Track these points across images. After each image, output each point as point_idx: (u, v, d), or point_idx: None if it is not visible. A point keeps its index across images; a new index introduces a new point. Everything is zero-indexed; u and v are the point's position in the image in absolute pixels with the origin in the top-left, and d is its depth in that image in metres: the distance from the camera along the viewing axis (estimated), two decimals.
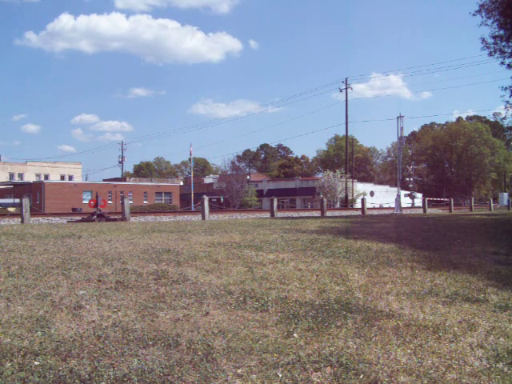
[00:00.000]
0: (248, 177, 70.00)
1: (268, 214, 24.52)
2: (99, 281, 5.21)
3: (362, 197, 35.14)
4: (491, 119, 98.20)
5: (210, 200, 22.59)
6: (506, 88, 20.82)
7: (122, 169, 74.55)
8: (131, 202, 47.55)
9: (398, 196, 34.08)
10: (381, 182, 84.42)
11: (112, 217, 20.18)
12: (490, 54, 19.69)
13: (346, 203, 48.97)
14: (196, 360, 3.25)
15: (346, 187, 50.33)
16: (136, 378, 2.95)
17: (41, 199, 51.24)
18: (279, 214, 24.57)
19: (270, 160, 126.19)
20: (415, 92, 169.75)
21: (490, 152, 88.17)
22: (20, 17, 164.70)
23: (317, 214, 27.98)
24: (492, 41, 19.52)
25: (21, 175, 79.50)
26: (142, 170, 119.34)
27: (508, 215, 23.56)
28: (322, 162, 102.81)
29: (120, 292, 4.82)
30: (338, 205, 52.71)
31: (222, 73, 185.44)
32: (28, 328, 3.69)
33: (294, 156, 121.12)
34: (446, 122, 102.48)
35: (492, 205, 42.35)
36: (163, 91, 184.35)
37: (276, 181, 73.13)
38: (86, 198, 50.35)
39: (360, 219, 17.88)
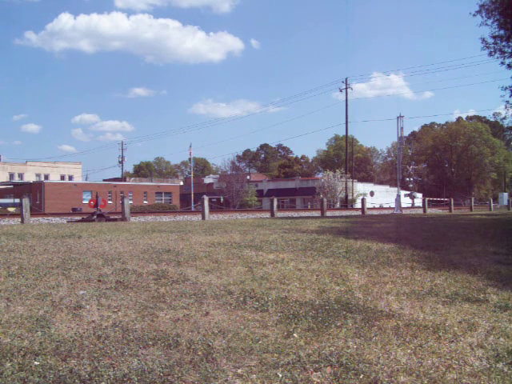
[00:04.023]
0: (248, 177, 69.99)
1: (268, 214, 24.52)
2: (99, 281, 5.21)
3: (361, 197, 35.15)
4: (491, 119, 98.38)
5: (210, 200, 22.59)
6: (506, 88, 20.80)
7: (122, 169, 74.50)
8: (131, 202, 47.54)
9: (398, 196, 34.09)
10: (381, 182, 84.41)
11: (112, 217, 20.17)
12: (490, 54, 19.69)
13: (346, 203, 48.97)
14: (196, 360, 3.25)
15: (346, 187, 50.33)
16: (136, 378, 2.95)
17: (41, 199, 51.23)
18: (279, 214, 24.57)
19: (270, 160, 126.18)
20: (416, 92, 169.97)
21: (490, 152, 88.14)
22: (20, 16, 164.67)
23: (317, 214, 27.98)
24: (492, 41, 19.52)
25: (21, 175, 79.49)
26: (141, 170, 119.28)
27: (508, 215, 23.56)
28: (322, 162, 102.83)
29: (120, 292, 4.82)
30: (338, 205, 52.73)
31: (223, 72, 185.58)
32: (28, 328, 3.69)
33: (294, 156, 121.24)
34: (446, 122, 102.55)
35: (492, 205, 42.33)
36: (164, 91, 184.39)
37: (276, 181, 73.13)
38: (86, 198, 50.33)
39: (360, 219, 17.87)
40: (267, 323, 4.07)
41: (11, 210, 35.14)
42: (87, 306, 4.30)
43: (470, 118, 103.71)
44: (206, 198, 20.48)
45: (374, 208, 40.57)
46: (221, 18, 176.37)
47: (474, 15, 19.54)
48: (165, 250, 7.25)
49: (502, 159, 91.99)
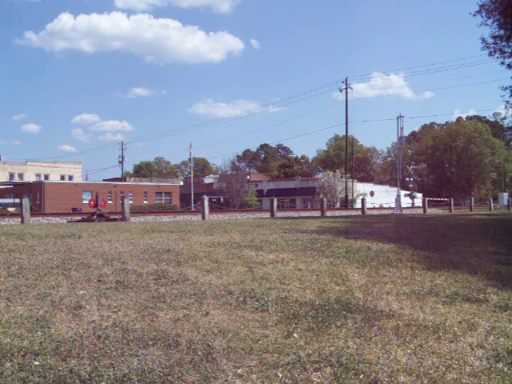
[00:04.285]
0: (248, 177, 70.01)
1: (268, 214, 24.51)
2: (99, 281, 5.21)
3: (361, 197, 35.14)
4: (491, 119, 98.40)
5: (210, 200, 22.60)
6: (506, 88, 20.80)
7: (122, 169, 74.46)
8: (131, 202, 47.52)
9: (398, 196, 34.08)
10: (381, 182, 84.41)
11: (112, 217, 20.17)
12: (490, 54, 19.69)
13: (346, 203, 48.97)
14: (196, 360, 3.25)
15: (346, 187, 50.34)
16: (136, 378, 2.95)
17: (41, 199, 51.22)
18: (279, 214, 24.57)
19: (270, 160, 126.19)
20: (416, 92, 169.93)
21: (490, 152, 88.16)
22: (20, 16, 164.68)
23: (317, 214, 27.97)
24: (492, 41, 19.52)
25: (21, 175, 79.48)
26: (141, 170, 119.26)
27: (508, 215, 23.56)
28: (322, 162, 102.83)
29: (120, 292, 4.82)
30: (338, 205, 52.74)
31: (223, 72, 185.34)
32: (28, 328, 3.69)
33: (294, 156, 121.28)
34: (446, 122, 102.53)
35: (492, 205, 42.32)
36: (164, 91, 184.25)
37: (276, 181, 73.13)
38: (86, 198, 50.32)
39: (360, 219, 17.87)
40: (267, 323, 4.07)
41: (11, 209, 35.14)
42: (87, 306, 4.30)
43: (470, 118, 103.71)
44: (205, 198, 20.48)
45: (373, 208, 40.56)
46: (221, 18, 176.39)
47: (474, 15, 19.55)
48: (165, 249, 7.25)
49: (502, 159, 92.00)
